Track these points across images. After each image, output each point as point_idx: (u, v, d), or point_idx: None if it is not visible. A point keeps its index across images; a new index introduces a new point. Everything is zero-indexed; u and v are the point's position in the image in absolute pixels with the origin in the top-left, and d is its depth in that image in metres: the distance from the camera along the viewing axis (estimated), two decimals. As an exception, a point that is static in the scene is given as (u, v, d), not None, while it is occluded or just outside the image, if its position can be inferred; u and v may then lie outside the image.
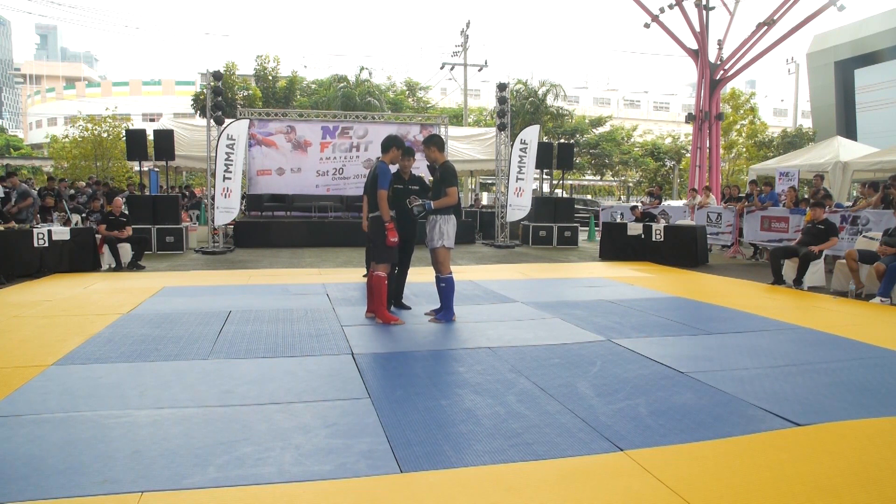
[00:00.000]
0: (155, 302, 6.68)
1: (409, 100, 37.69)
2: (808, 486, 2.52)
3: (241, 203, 15.11)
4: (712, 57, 18.08)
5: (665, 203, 17.39)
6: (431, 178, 6.09)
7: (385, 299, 5.71)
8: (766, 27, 16.86)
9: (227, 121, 13.12)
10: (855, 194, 14.07)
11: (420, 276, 7.69)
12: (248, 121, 14.55)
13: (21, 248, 8.77)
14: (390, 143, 5.69)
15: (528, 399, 3.59)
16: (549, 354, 4.59)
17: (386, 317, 5.67)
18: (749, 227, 12.30)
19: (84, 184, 17.22)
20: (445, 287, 5.73)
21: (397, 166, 5.90)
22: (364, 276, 8.79)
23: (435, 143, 5.77)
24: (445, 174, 5.65)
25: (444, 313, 5.80)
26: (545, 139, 24.76)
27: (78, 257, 9.33)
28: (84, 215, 12.74)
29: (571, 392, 3.72)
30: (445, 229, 5.63)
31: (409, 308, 6.35)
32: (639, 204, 15.81)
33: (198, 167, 19.48)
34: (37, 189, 13.47)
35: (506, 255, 12.83)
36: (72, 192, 15.47)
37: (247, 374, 4.04)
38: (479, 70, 31.44)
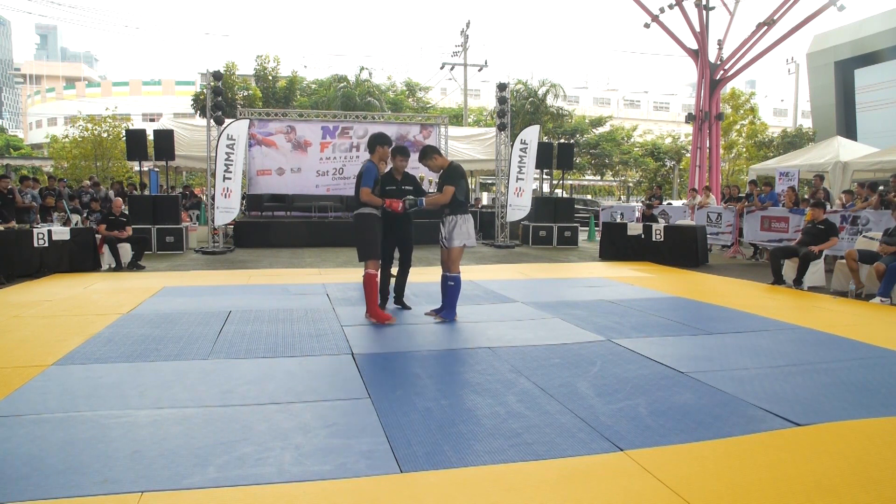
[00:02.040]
0: (155, 302, 6.68)
1: (409, 100, 37.69)
2: (808, 486, 2.52)
3: (241, 203, 15.11)
4: (712, 57, 18.08)
5: (665, 203, 17.41)
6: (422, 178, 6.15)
7: (376, 297, 5.68)
8: (766, 27, 16.86)
9: (227, 121, 13.12)
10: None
11: (420, 277, 7.68)
12: (248, 121, 14.54)
13: (21, 248, 8.78)
14: (374, 142, 5.63)
15: (528, 399, 3.59)
16: (549, 354, 4.59)
17: (378, 315, 5.64)
18: (749, 227, 12.30)
19: (88, 182, 17.24)
20: (453, 286, 5.75)
21: (391, 165, 5.83)
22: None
23: (433, 152, 5.80)
24: (449, 173, 5.66)
25: (446, 312, 5.80)
26: (545, 139, 24.77)
27: (78, 257, 9.34)
28: (84, 215, 12.75)
29: (571, 392, 3.72)
30: (465, 228, 5.64)
31: (410, 308, 6.33)
32: (650, 202, 15.80)
33: (198, 167, 19.46)
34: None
35: (506, 255, 12.84)
36: (75, 190, 15.54)
37: (247, 374, 4.04)
38: (479, 70, 31.45)
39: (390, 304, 6.36)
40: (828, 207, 10.32)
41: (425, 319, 5.86)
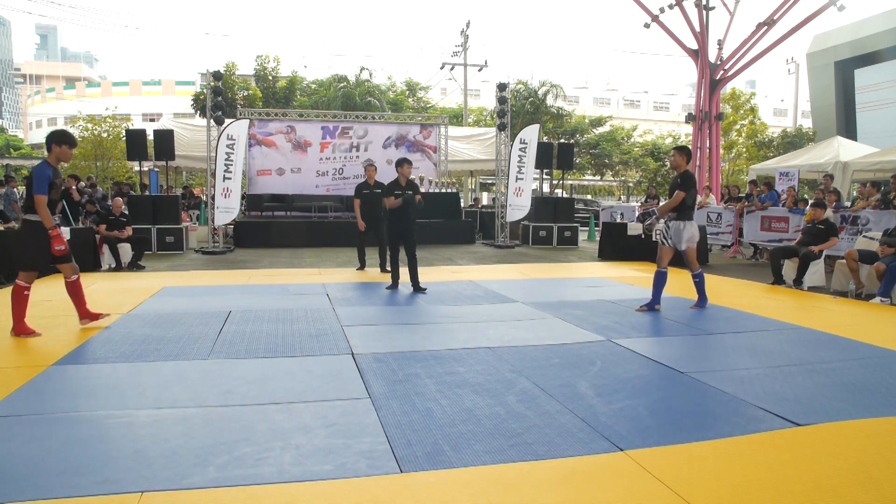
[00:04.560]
0: (155, 302, 6.68)
1: (409, 100, 37.67)
2: (808, 486, 2.52)
3: (241, 203, 15.11)
4: (712, 57, 18.08)
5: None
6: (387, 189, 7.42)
7: (24, 312, 5.09)
8: (766, 27, 16.86)
9: (227, 121, 13.11)
10: (854, 194, 14.06)
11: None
12: (248, 121, 14.54)
13: (21, 248, 8.76)
14: (50, 140, 5.07)
15: (528, 399, 3.59)
16: (549, 354, 4.59)
17: (22, 329, 5.04)
18: (749, 227, 12.29)
19: (83, 184, 17.22)
20: (699, 282, 6.58)
21: (63, 163, 5.40)
22: (358, 269, 9.41)
23: (681, 151, 6.46)
24: (681, 180, 6.34)
25: (699, 301, 6.58)
26: (545, 139, 24.76)
27: (78, 257, 9.26)
28: (83, 215, 12.74)
29: (571, 392, 3.72)
30: (692, 232, 6.36)
31: (425, 290, 7.35)
32: (647, 202, 15.84)
33: (198, 167, 19.48)
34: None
35: (506, 255, 12.83)
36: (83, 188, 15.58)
37: (247, 374, 4.04)
38: (479, 70, 31.44)
39: (405, 290, 7.49)
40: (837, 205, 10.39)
41: (424, 319, 5.88)
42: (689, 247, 6.41)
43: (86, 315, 5.44)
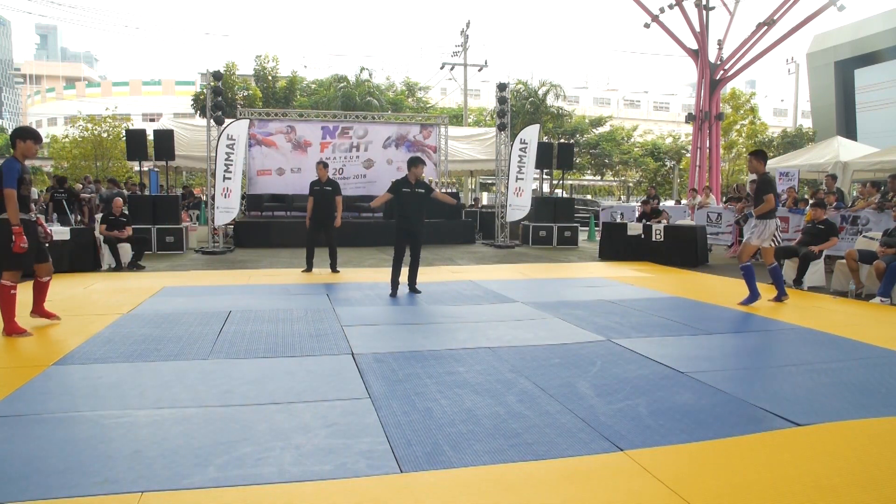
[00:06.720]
0: (155, 302, 6.68)
1: (409, 100, 37.68)
2: (808, 486, 2.52)
3: (241, 203, 15.11)
4: (712, 57, 18.09)
5: (662, 203, 17.42)
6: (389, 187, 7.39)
7: (13, 311, 5.04)
8: (766, 27, 16.88)
9: (227, 121, 13.11)
10: (855, 194, 14.05)
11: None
12: (248, 121, 14.54)
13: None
14: (14, 137, 5.10)
15: (528, 399, 3.59)
16: (549, 354, 4.59)
17: (13, 329, 5.03)
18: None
19: (80, 186, 17.22)
20: (743, 273, 6.91)
21: (29, 160, 5.30)
22: (304, 270, 9.24)
23: (757, 156, 6.82)
24: (761, 184, 6.69)
25: (748, 297, 6.78)
26: (545, 139, 24.76)
27: (78, 257, 9.33)
28: (79, 217, 12.76)
29: (571, 392, 3.72)
30: (767, 232, 6.77)
31: (420, 292, 7.31)
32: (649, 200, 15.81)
33: (198, 167, 19.49)
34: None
35: (506, 255, 12.83)
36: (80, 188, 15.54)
37: (247, 374, 4.04)
38: (479, 70, 31.44)
39: (403, 290, 7.34)
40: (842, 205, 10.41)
41: (424, 320, 5.88)
42: (753, 244, 6.88)
43: (40, 312, 5.54)
